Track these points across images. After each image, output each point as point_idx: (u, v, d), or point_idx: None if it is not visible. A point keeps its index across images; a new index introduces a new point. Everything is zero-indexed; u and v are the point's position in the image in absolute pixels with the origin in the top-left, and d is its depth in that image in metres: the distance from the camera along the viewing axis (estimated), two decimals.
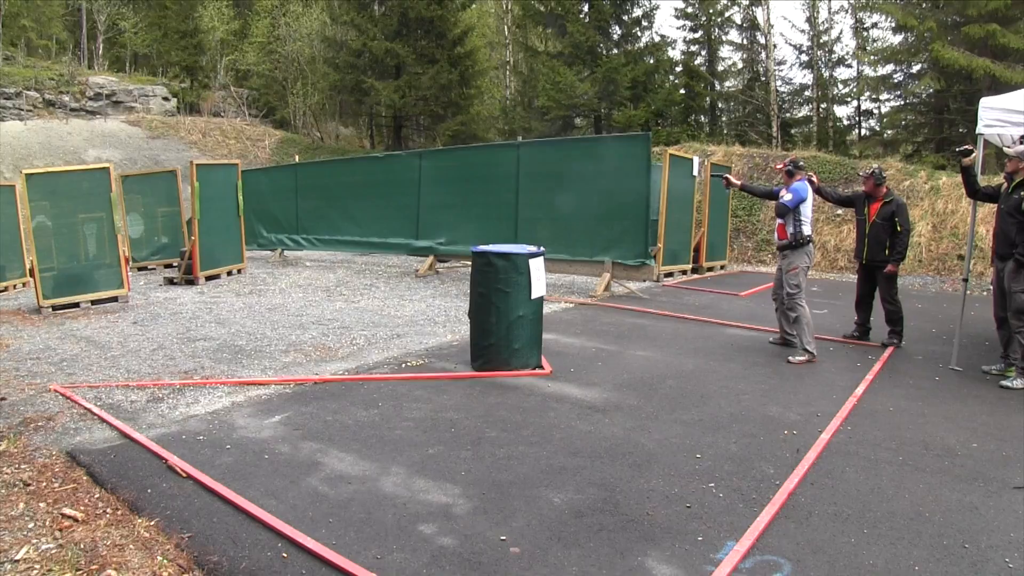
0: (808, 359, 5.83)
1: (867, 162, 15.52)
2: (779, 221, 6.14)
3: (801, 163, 6.26)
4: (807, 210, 6.01)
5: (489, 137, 26.16)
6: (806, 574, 2.65)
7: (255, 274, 12.06)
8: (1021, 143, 5.45)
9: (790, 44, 25.50)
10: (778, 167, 6.46)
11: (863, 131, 23.51)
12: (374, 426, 4.27)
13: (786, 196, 6.01)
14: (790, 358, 5.86)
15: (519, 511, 3.14)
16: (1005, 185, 5.35)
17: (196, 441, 3.98)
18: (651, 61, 23.24)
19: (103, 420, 4.33)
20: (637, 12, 23.28)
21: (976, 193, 5.60)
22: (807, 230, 6.03)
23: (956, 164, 15.69)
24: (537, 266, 5.44)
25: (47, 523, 3.04)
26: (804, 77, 25.35)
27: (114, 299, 9.00)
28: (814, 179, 6.48)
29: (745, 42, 24.41)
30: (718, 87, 24.93)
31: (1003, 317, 5.45)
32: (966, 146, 5.48)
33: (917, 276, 12.18)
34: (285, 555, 2.77)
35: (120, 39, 31.24)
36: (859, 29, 22.61)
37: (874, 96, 21.87)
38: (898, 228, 6.31)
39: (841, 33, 28.90)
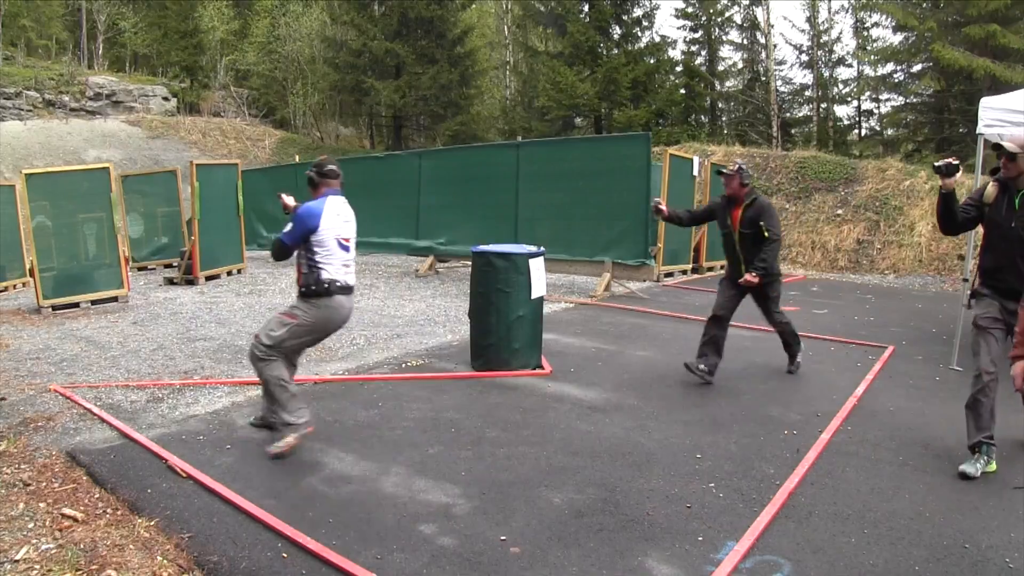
0: (293, 440, 3.76)
1: (867, 162, 15.50)
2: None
3: (329, 167, 3.96)
4: (330, 244, 3.80)
5: (489, 137, 26.15)
6: (806, 574, 2.65)
7: (255, 274, 12.06)
8: None
9: (790, 44, 25.50)
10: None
11: (863, 131, 23.53)
12: (374, 426, 4.27)
13: (287, 227, 3.85)
14: (276, 445, 3.76)
15: (519, 511, 3.14)
16: (996, 195, 3.71)
17: (196, 441, 3.98)
18: (651, 61, 23.24)
19: (103, 420, 4.33)
20: (637, 12, 23.29)
21: (957, 225, 3.86)
22: (334, 274, 3.81)
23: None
24: (537, 266, 5.44)
25: (47, 523, 3.04)
26: (804, 77, 25.37)
27: (114, 299, 8.99)
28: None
29: (745, 42, 24.42)
30: (718, 87, 24.93)
31: (993, 375, 3.58)
32: (947, 160, 3.66)
33: (917, 276, 12.18)
34: (285, 555, 2.77)
35: (120, 39, 31.20)
36: (859, 29, 22.62)
37: (874, 96, 21.90)
38: (765, 234, 4.98)
39: (841, 33, 28.96)
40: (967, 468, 3.56)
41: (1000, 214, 3.66)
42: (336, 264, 3.83)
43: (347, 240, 3.94)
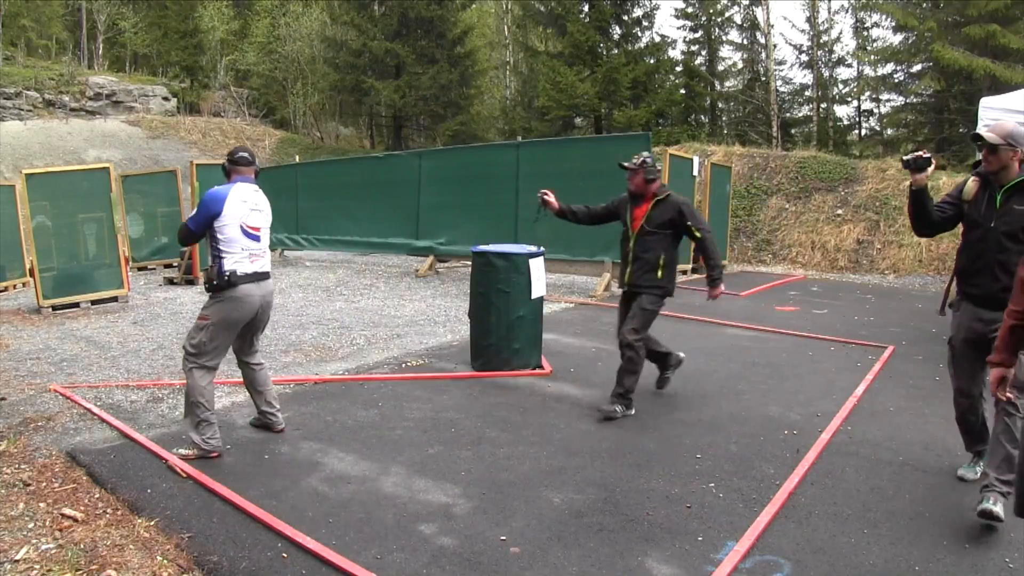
0: (197, 454, 3.69)
1: (867, 162, 15.50)
2: None
3: (240, 154, 3.92)
4: (232, 232, 3.72)
5: (489, 137, 26.16)
6: (806, 574, 2.65)
7: None
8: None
9: (790, 44, 25.46)
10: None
11: (863, 131, 23.52)
12: (374, 426, 4.27)
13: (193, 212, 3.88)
14: (178, 449, 3.75)
15: (519, 511, 3.14)
16: (976, 191, 3.30)
17: None
18: (651, 61, 23.25)
19: (103, 420, 4.33)
20: (637, 12, 23.29)
21: (932, 225, 3.44)
22: (234, 264, 3.72)
23: (955, 165, 15.74)
24: (537, 266, 5.44)
25: (47, 523, 3.04)
26: (804, 77, 25.37)
27: (114, 299, 8.99)
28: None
29: (745, 42, 24.40)
30: (718, 87, 24.93)
31: (972, 398, 3.44)
32: (916, 153, 3.28)
33: (917, 276, 12.17)
34: (285, 555, 2.77)
35: (120, 39, 31.23)
36: (859, 29, 22.61)
37: (874, 96, 21.89)
38: (696, 233, 4.41)
39: (841, 33, 28.84)
40: (965, 472, 3.53)
41: (979, 212, 3.26)
42: (238, 253, 3.75)
43: (255, 229, 3.85)
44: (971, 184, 3.33)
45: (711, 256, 4.46)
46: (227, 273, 3.70)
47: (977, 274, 3.27)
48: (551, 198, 4.71)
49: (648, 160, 4.48)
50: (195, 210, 3.80)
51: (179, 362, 5.82)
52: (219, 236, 3.71)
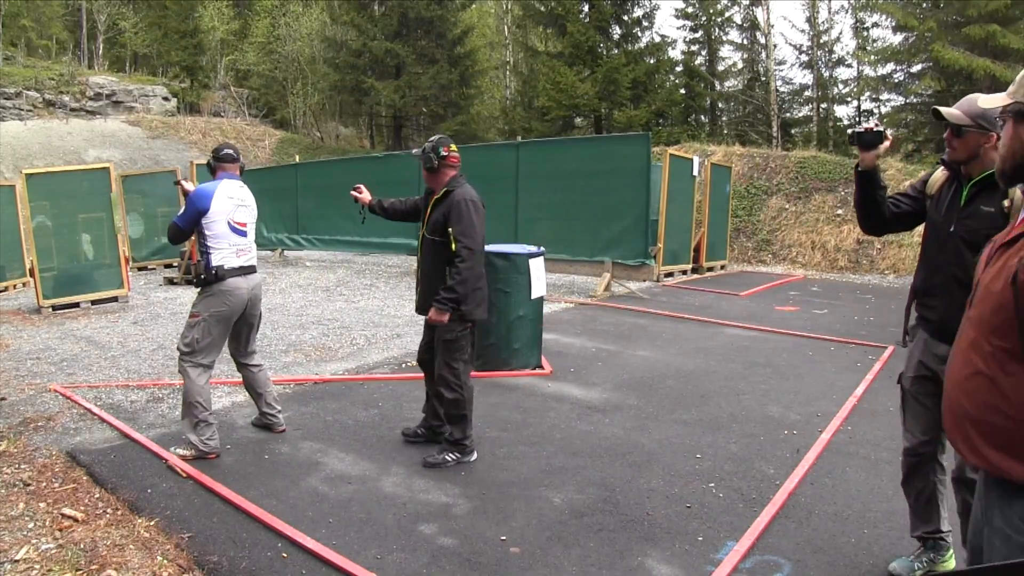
0: (195, 454, 3.71)
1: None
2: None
3: (225, 151, 3.94)
4: (219, 228, 3.76)
5: (489, 137, 26.16)
6: (806, 574, 2.64)
7: None
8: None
9: (790, 44, 25.54)
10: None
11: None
12: (374, 426, 4.27)
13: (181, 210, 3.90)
14: (175, 449, 3.78)
15: (519, 511, 3.14)
16: (941, 184, 2.55)
17: None
18: (651, 61, 23.25)
19: (103, 420, 4.33)
20: (637, 12, 23.29)
21: (883, 221, 2.66)
22: (221, 259, 3.76)
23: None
24: (537, 266, 5.44)
25: (47, 523, 3.04)
26: (804, 77, 25.36)
27: (114, 299, 8.99)
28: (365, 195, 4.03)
29: (745, 42, 24.42)
30: (718, 87, 24.94)
31: (922, 457, 2.76)
32: (866, 125, 2.54)
33: None
34: (285, 555, 2.77)
35: (120, 39, 31.23)
36: (859, 29, 22.62)
37: (874, 96, 21.88)
38: (452, 244, 3.55)
39: (841, 33, 28.84)
40: (899, 567, 2.65)
41: (939, 212, 2.50)
42: (226, 248, 3.82)
43: (242, 224, 3.92)
44: (938, 174, 2.58)
45: (453, 280, 3.51)
46: (215, 268, 3.76)
47: (931, 293, 2.51)
48: (360, 194, 4.12)
49: (427, 146, 3.68)
50: (183, 207, 3.87)
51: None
52: (207, 232, 3.77)
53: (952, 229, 2.42)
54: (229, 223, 3.83)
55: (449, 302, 3.52)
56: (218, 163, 3.95)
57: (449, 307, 3.53)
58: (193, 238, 3.99)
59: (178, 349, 3.87)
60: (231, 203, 3.84)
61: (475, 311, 3.67)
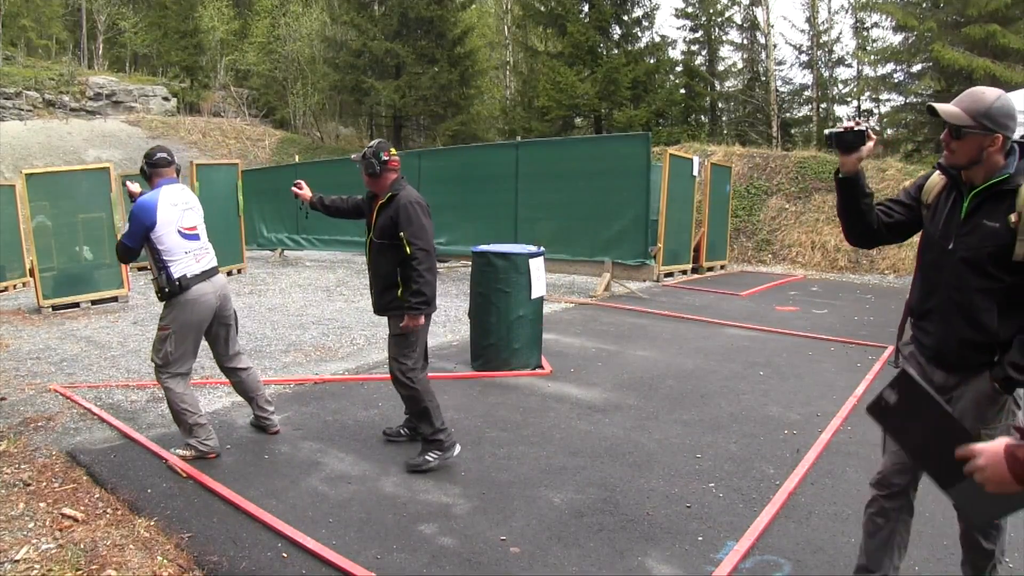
0: (195, 454, 3.69)
1: (867, 162, 15.41)
2: None
3: (159, 155, 3.77)
4: (171, 239, 3.62)
5: (489, 137, 26.16)
6: (806, 574, 2.65)
7: (255, 274, 12.05)
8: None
9: (790, 44, 25.40)
10: None
11: None
12: (374, 426, 4.27)
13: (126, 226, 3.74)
14: (175, 449, 3.75)
15: (519, 511, 3.14)
16: (938, 191, 2.25)
17: None
18: (651, 61, 23.26)
19: (103, 420, 4.33)
20: (637, 12, 23.30)
21: (871, 233, 2.34)
22: (182, 269, 3.64)
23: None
24: (537, 266, 5.44)
25: (47, 523, 3.04)
26: (804, 77, 25.40)
27: (114, 299, 8.99)
28: (307, 193, 4.00)
29: (745, 42, 24.43)
30: (718, 87, 24.94)
31: (892, 490, 2.35)
32: (845, 124, 2.28)
33: None
34: (285, 555, 2.77)
35: (120, 39, 31.24)
36: (859, 29, 22.63)
37: (874, 96, 21.88)
38: (407, 248, 3.57)
39: (841, 33, 28.81)
40: None
41: (936, 225, 2.21)
42: (183, 258, 3.66)
43: (191, 229, 3.74)
44: (935, 179, 2.28)
45: (418, 282, 3.56)
46: (177, 279, 3.62)
47: (928, 316, 2.24)
48: (300, 190, 4.07)
49: (368, 151, 3.67)
50: (127, 224, 3.65)
51: None
52: (159, 247, 3.62)
53: (951, 247, 2.13)
54: (179, 231, 3.67)
55: (421, 305, 3.60)
56: (153, 169, 3.73)
57: (423, 310, 3.62)
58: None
59: (152, 362, 3.77)
60: (176, 210, 3.67)
61: (432, 303, 3.76)
